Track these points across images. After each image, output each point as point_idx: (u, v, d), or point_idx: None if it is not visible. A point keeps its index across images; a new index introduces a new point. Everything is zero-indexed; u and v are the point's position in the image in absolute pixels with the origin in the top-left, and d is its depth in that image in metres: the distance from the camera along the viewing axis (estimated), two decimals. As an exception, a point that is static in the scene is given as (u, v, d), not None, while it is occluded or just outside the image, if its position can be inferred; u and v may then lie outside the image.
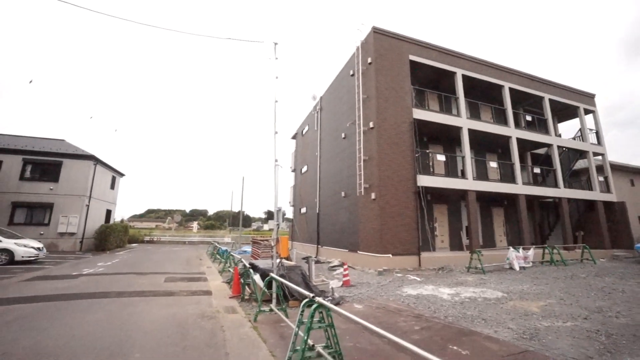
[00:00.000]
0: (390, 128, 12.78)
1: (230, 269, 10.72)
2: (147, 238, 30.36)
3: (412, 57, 14.16)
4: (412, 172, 12.62)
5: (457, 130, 14.44)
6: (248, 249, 17.66)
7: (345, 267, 9.54)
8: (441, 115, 14.11)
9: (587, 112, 19.70)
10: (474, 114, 16.67)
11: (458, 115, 14.55)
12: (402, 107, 13.30)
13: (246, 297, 7.06)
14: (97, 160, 19.83)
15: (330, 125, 17.81)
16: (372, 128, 12.80)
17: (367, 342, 4.39)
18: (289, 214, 25.03)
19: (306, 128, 22.81)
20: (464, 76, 15.23)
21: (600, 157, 19.21)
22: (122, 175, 25.40)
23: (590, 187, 18.06)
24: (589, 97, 20.02)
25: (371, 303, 6.85)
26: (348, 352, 3.91)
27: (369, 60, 13.55)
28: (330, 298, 6.96)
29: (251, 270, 6.87)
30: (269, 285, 5.93)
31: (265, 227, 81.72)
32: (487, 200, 16.49)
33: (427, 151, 14.58)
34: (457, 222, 15.07)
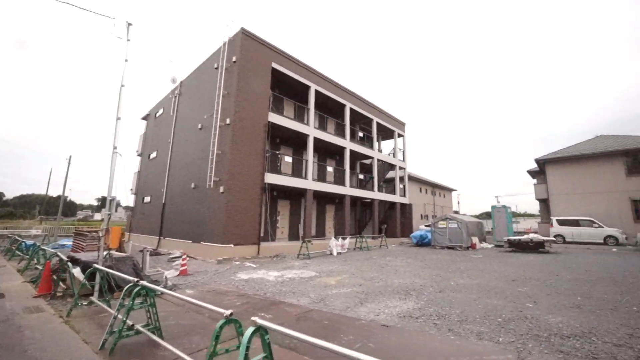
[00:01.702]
0: (245, 127, 13.64)
1: (38, 266, 9.10)
2: None
3: (275, 65, 15.45)
4: (260, 170, 13.93)
5: (305, 136, 16.75)
6: (68, 242, 14.93)
7: (184, 257, 9.88)
8: (293, 122, 16.04)
9: (399, 135, 26.30)
10: (322, 124, 19.63)
11: (307, 124, 16.89)
12: (259, 108, 14.39)
13: (59, 295, 6.46)
14: None
15: (188, 113, 17.16)
16: (228, 124, 13.33)
17: (190, 319, 5.06)
18: (132, 202, 22.28)
19: (161, 111, 20.91)
20: (316, 91, 17.73)
21: (402, 171, 26.09)
22: None
23: (394, 192, 24.37)
24: (402, 124, 26.79)
25: (203, 288, 7.59)
26: (170, 329, 4.39)
27: (234, 58, 13.96)
28: (162, 286, 7.27)
29: (69, 264, 6.35)
30: (90, 278, 5.73)
31: (97, 216, 68.00)
32: (324, 198, 19.82)
33: (277, 152, 16.29)
34: (297, 215, 17.52)
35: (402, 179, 26.00)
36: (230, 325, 2.63)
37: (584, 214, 21.33)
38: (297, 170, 17.37)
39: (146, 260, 9.51)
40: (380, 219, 22.87)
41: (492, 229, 20.96)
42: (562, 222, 20.85)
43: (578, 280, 8.24)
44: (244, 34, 14.22)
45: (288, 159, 16.43)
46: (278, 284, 8.13)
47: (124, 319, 3.66)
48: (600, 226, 19.45)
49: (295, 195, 17.48)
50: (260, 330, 2.38)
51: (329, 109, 20.45)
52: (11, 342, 4.03)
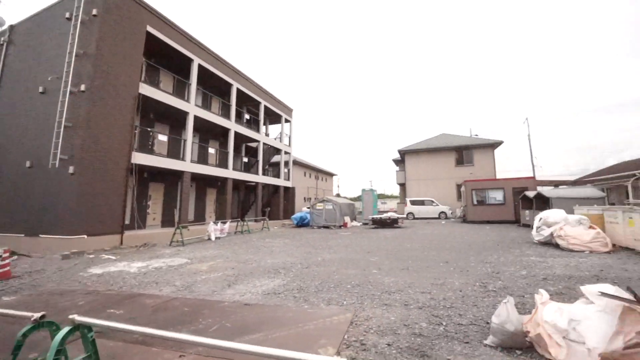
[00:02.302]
0: (107, 97, 11.69)
1: None
2: None
3: (151, 29, 13.54)
4: (127, 149, 12.32)
5: (184, 114, 15.50)
6: None
7: (5, 255, 8.05)
8: (171, 97, 14.58)
9: (287, 120, 27.18)
10: (206, 103, 18.48)
11: (188, 100, 15.63)
12: (128, 77, 12.50)
13: None
14: None
15: (23, 69, 13.35)
16: (82, 91, 11.13)
17: None
18: None
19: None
20: (201, 66, 16.47)
21: (288, 155, 27.25)
22: None
23: (278, 176, 25.33)
24: (289, 110, 27.71)
25: (33, 291, 6.42)
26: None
27: (95, 11, 11.54)
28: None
29: None
30: None
31: None
32: (205, 181, 19.01)
33: (149, 129, 14.65)
34: (172, 200, 16.34)
35: (287, 163, 27.15)
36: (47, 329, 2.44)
37: (428, 196, 27.14)
38: (174, 151, 16.05)
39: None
40: (264, 202, 23.52)
41: (361, 209, 24.45)
42: (413, 202, 26.07)
43: (414, 248, 10.46)
44: (108, -16, 11.89)
45: (163, 138, 14.98)
46: (140, 276, 7.61)
47: None
48: (437, 204, 25.28)
49: (170, 178, 16.18)
50: (81, 329, 2.27)
51: (215, 88, 19.37)
52: None
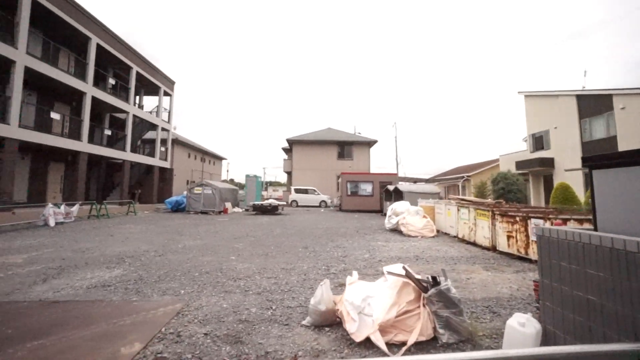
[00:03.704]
0: None
1: None
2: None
3: None
4: None
5: (8, 61, 11.79)
6: None
7: None
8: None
9: (167, 94, 24.08)
10: (48, 53, 14.50)
11: (13, 43, 11.91)
12: None
13: None
14: None
15: None
16: None
17: None
18: None
19: None
20: (39, 4, 12.74)
21: (166, 133, 24.30)
22: None
23: (153, 154, 22.34)
24: (171, 83, 24.63)
25: None
26: None
27: None
28: None
29: None
30: None
31: None
32: (47, 154, 15.13)
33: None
34: (-11, 174, 12.40)
35: (164, 141, 24.21)
36: None
37: (312, 185, 28.58)
38: (-8, 110, 12.12)
39: None
40: (132, 182, 20.40)
41: (244, 195, 23.95)
42: (297, 191, 26.97)
43: (283, 234, 10.70)
44: None
45: (-31, 90, 11.04)
46: None
47: None
48: (318, 194, 26.85)
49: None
50: None
51: (65, 38, 15.42)
52: None
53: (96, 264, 6.41)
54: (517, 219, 6.94)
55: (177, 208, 19.48)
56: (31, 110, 14.05)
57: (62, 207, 12.70)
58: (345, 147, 30.65)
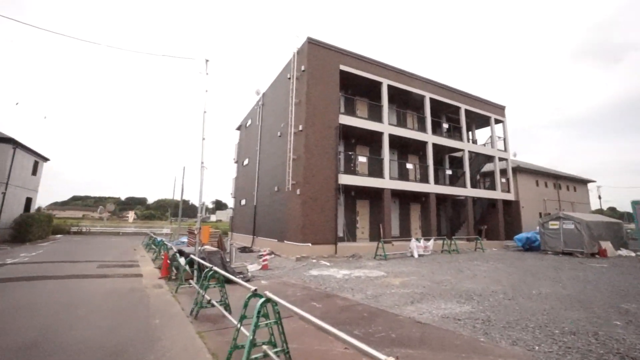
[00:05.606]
0: (317, 131, 14.25)
1: (162, 257, 11.60)
2: (74, 229, 28.29)
3: (343, 67, 15.69)
4: (334, 172, 14.27)
5: (379, 135, 16.35)
6: (186, 239, 18.40)
7: (266, 253, 11.00)
8: (365, 121, 15.89)
9: (497, 121, 22.83)
10: (401, 120, 18.77)
11: (381, 121, 16.44)
12: (330, 112, 14.81)
13: (173, 278, 8.17)
14: (16, 144, 18.49)
15: (270, 122, 18.94)
16: (301, 131, 14.19)
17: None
18: (231, 205, 25.72)
19: (249, 122, 23.63)
20: (389, 86, 17.14)
21: (504, 162, 22.47)
22: (46, 160, 23.59)
23: (494, 187, 21.23)
24: (500, 109, 23.20)
25: (276, 280, 8.41)
26: (234, 305, 5.01)
27: (303, 67, 14.84)
28: (242, 276, 8.36)
29: (177, 254, 8.06)
30: (190, 265, 7.25)
31: (213, 217, 77.20)
32: (408, 197, 18.82)
33: (350, 153, 16.38)
34: (377, 215, 17.12)
35: (504, 171, 22.44)
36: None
37: None
38: (374, 169, 17.03)
39: (232, 254, 11.02)
40: (477, 218, 20.27)
41: (634, 231, 16.02)
42: None
43: None
44: (310, 42, 14.93)
45: (362, 159, 16.32)
46: (342, 281, 8.26)
47: (203, 295, 4.86)
48: None
49: (374, 195, 17.18)
50: (271, 302, 3.08)
51: (407, 103, 19.43)
52: (142, 302, 5.98)
53: (448, 297, 6.58)
54: None
55: (530, 246, 16.59)
56: (394, 165, 18.37)
57: (422, 241, 14.72)
58: None
